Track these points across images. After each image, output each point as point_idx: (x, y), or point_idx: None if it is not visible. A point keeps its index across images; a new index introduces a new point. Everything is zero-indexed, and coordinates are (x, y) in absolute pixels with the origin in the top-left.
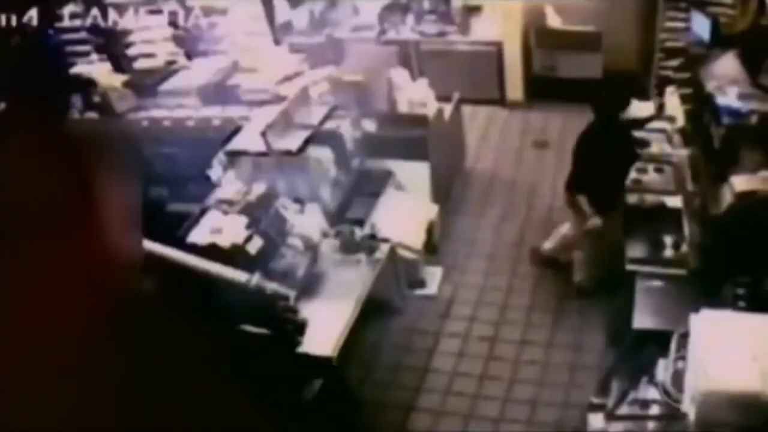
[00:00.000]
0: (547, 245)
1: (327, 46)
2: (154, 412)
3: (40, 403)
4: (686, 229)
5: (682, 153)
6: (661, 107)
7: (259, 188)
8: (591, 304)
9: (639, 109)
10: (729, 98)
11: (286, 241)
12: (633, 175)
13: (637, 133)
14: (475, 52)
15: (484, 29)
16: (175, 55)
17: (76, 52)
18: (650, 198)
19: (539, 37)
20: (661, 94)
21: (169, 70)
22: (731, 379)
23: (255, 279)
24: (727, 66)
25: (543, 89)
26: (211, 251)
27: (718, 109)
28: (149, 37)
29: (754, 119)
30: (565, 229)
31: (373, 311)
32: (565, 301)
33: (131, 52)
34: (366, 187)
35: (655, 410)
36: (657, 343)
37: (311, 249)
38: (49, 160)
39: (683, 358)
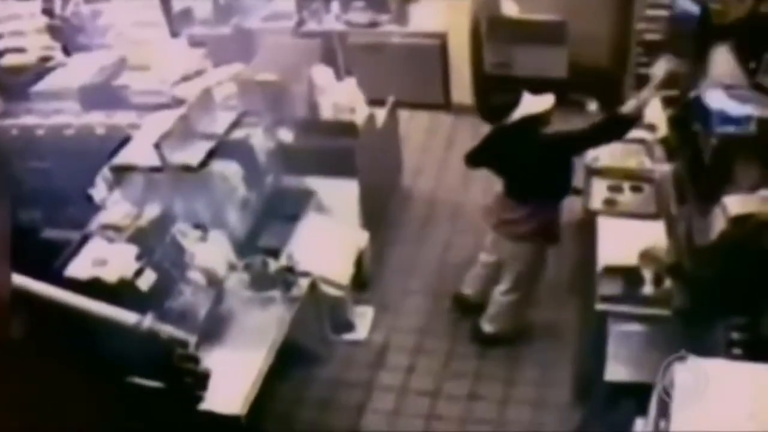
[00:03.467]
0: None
1: (234, 39)
2: None
3: None
4: (669, 261)
5: (664, 168)
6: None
7: (152, 211)
8: (554, 352)
9: (532, 104)
10: (722, 101)
11: (185, 276)
12: (605, 194)
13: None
14: (414, 47)
15: (425, 18)
16: (51, 50)
17: None
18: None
19: (492, 28)
20: None
21: (43, 67)
22: None
23: (147, 321)
24: (719, 62)
25: (496, 90)
26: (94, 287)
27: (709, 115)
28: (18, 28)
29: (751, 127)
30: (480, 263)
31: (290, 360)
32: (522, 348)
33: None
34: (282, 210)
35: None
36: (634, 398)
37: (215, 285)
38: None
39: (666, 416)
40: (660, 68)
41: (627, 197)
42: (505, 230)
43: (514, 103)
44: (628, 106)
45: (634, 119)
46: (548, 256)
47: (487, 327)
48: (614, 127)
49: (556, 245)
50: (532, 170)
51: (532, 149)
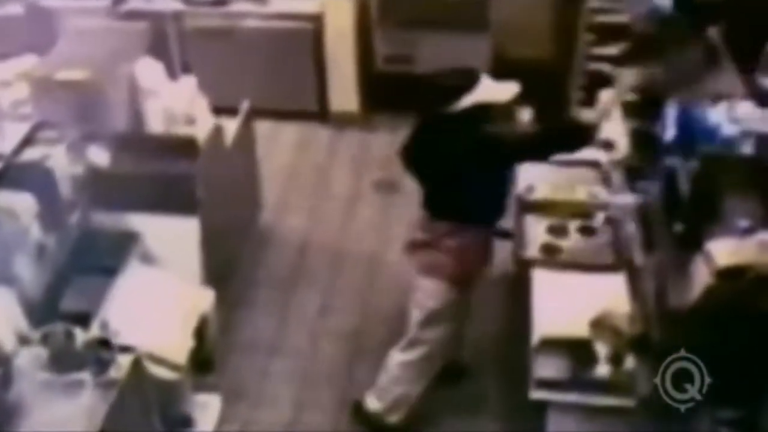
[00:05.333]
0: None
1: (26, 22)
2: None
3: None
4: (632, 331)
5: (625, 201)
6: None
7: None
8: None
9: (490, 91)
10: (706, 110)
11: None
12: (544, 238)
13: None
14: (278, 33)
15: None
16: None
17: None
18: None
19: (386, 8)
20: (589, 100)
21: None
22: None
23: None
24: (701, 56)
25: (392, 94)
26: None
27: (689, 129)
28: None
29: (746, 146)
30: (395, 362)
31: None
32: None
33: None
34: (93, 260)
35: None
36: None
37: (0, 363)
38: None
39: None
40: (628, 78)
41: (573, 242)
42: (413, 257)
43: (468, 86)
44: (591, 116)
45: (591, 136)
46: (471, 307)
47: (372, 403)
48: (567, 139)
49: (470, 288)
50: (459, 176)
51: (469, 148)
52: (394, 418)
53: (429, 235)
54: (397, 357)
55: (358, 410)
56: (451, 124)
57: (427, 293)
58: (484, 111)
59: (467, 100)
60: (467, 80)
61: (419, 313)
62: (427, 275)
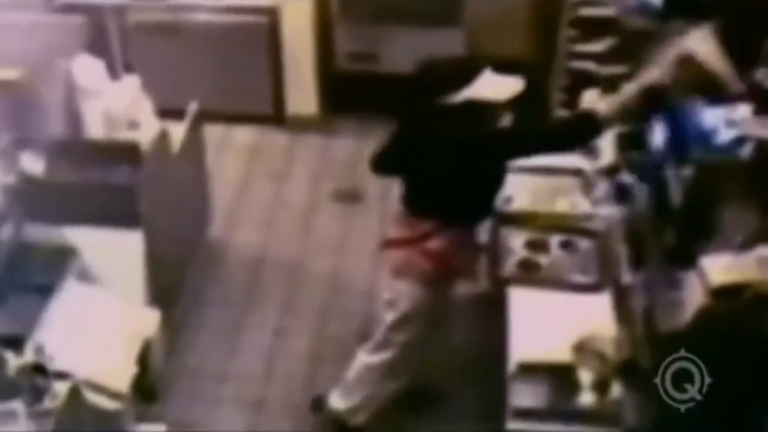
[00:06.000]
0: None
1: None
2: None
3: None
4: (619, 355)
5: (611, 213)
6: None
7: None
8: None
9: (491, 87)
10: (701, 113)
11: None
12: (522, 254)
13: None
14: (230, 28)
15: None
16: None
17: None
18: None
19: (348, 0)
20: (572, 102)
21: None
22: None
23: None
24: (696, 53)
25: (354, 96)
26: None
27: (681, 134)
28: None
29: (744, 151)
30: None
31: None
32: None
33: None
34: (26, 277)
35: None
36: None
37: None
38: None
39: None
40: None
41: (554, 258)
42: (386, 256)
43: (468, 78)
44: (608, 108)
45: (602, 128)
46: (448, 310)
47: (335, 401)
48: (579, 131)
49: (447, 290)
50: (445, 172)
51: (461, 144)
52: (359, 419)
53: (408, 233)
54: (363, 358)
55: (319, 406)
56: (442, 117)
57: (401, 295)
58: (480, 107)
59: (464, 94)
60: (468, 71)
61: (391, 315)
62: (400, 276)
